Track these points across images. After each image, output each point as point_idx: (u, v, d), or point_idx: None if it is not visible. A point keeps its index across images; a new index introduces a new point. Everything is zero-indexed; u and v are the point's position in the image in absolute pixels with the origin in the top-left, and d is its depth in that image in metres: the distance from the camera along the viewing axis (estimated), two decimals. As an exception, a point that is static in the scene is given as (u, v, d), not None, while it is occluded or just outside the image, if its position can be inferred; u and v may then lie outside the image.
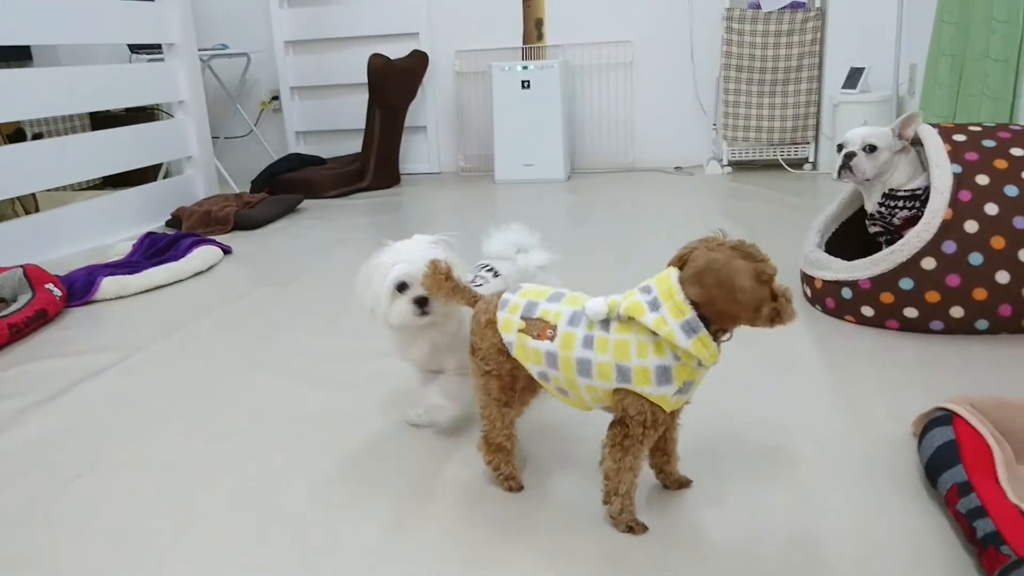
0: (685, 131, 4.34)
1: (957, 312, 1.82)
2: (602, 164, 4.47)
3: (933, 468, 1.21)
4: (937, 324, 1.86)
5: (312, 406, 1.67)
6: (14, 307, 2.24)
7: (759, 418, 1.51)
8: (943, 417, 1.27)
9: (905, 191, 1.97)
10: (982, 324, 1.83)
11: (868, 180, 2.01)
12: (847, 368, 1.72)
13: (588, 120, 4.44)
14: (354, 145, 4.56)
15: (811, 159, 4.04)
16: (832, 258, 2.04)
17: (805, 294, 2.14)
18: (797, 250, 2.23)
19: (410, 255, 1.37)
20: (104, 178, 4.27)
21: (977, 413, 1.25)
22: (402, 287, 1.36)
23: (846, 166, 2.02)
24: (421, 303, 1.35)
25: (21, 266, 2.39)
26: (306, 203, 3.94)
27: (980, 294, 1.79)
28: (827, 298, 2.02)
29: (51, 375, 1.92)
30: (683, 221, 3.18)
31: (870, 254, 2.03)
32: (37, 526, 1.29)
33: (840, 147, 2.06)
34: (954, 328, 1.85)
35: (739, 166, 4.19)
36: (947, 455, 1.20)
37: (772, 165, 4.16)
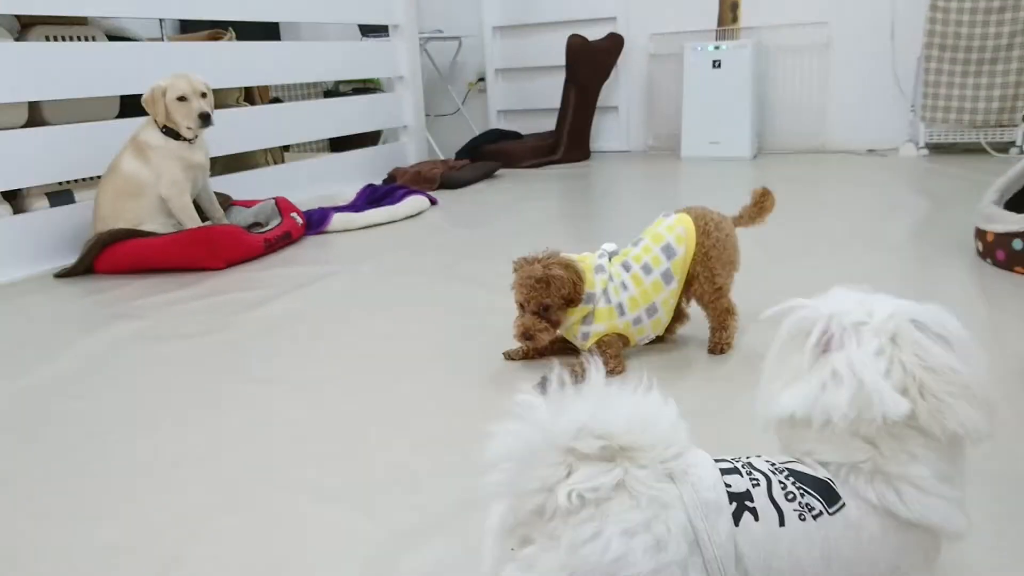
0: (880, 113, 4.27)
1: None
2: (791, 145, 4.49)
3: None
4: (1112, 276, 1.85)
5: (492, 306, 1.98)
6: (268, 227, 2.75)
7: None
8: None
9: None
10: None
11: None
12: (1005, 310, 1.77)
13: (779, 101, 4.48)
14: (549, 123, 4.88)
15: (1019, 143, 3.85)
16: (1006, 212, 2.06)
17: (977, 249, 2.16)
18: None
19: None
20: (331, 144, 4.89)
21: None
22: None
23: None
24: None
25: (273, 198, 2.90)
26: (503, 171, 4.31)
27: None
28: (998, 250, 2.04)
29: (293, 277, 2.37)
30: (867, 199, 3.20)
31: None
32: (281, 359, 1.69)
33: None
34: None
35: (937, 149, 4.07)
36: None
37: (974, 149, 4.00)
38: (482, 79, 5.33)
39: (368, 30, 4.85)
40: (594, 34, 4.56)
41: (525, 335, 1.41)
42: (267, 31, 4.82)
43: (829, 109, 4.39)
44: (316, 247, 2.78)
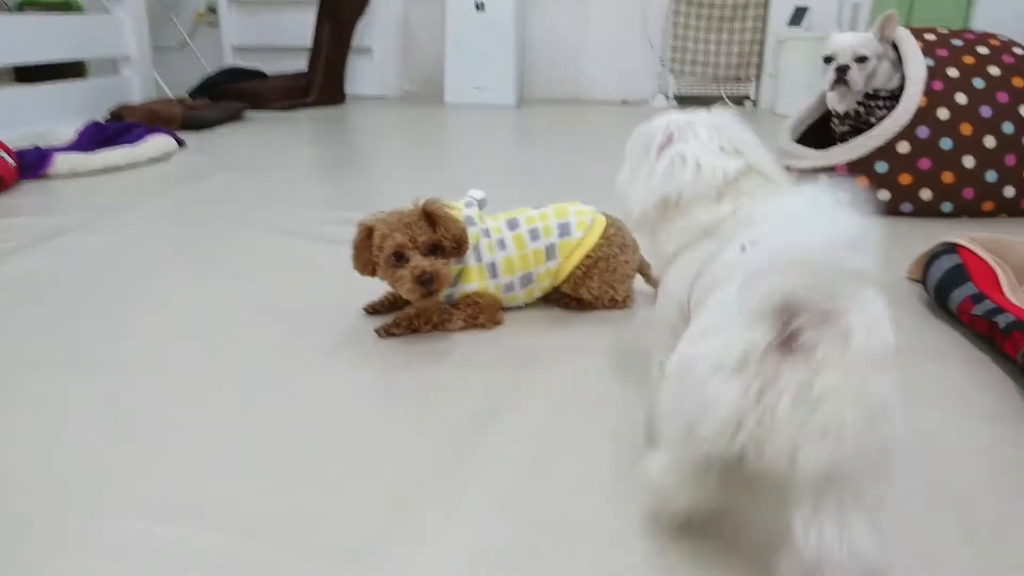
0: (632, 66, 4.41)
1: (926, 195, 1.96)
2: (551, 94, 4.50)
3: (943, 288, 1.32)
4: (907, 206, 1.99)
5: (315, 256, 1.65)
6: (-33, 169, 2.10)
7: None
8: (947, 248, 1.38)
9: (886, 91, 2.07)
10: (947, 207, 1.97)
11: (859, 90, 2.05)
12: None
13: (539, 50, 4.45)
14: (296, 63, 4.42)
15: (752, 96, 4.19)
16: (807, 148, 2.15)
17: (779, 186, 2.23)
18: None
19: None
20: (16, 75, 3.96)
21: (977, 243, 1.36)
22: None
23: (840, 80, 2.03)
24: None
25: (-31, 132, 2.23)
26: (250, 113, 3.80)
27: (948, 177, 1.93)
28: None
29: (23, 230, 1.81)
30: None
31: (836, 153, 2.17)
32: (58, 336, 1.24)
33: (828, 59, 2.06)
34: (921, 210, 1.98)
35: (683, 101, 4.30)
36: (956, 276, 1.30)
37: (714, 101, 4.29)
38: (213, 10, 4.67)
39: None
40: (344, -34, 4.17)
41: (423, 279, 1.12)
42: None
43: (586, 60, 4.45)
44: (40, 195, 2.18)
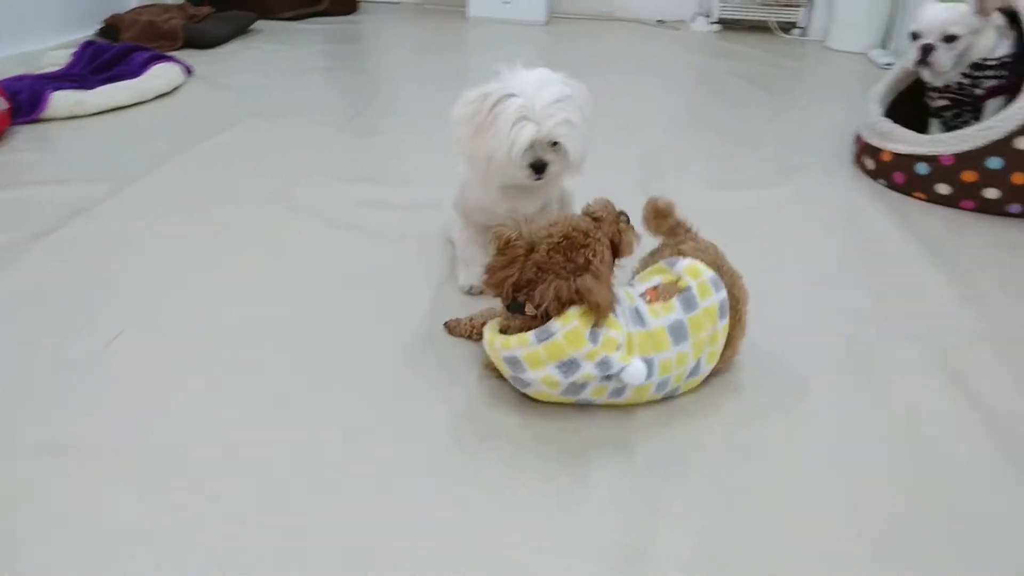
0: (672, -19, 4.03)
1: (1040, 196, 1.76)
2: (581, 9, 4.13)
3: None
4: (1015, 207, 1.78)
5: (362, 259, 1.44)
6: (-46, 120, 1.84)
7: (845, 307, 1.40)
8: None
9: (993, 60, 1.83)
10: (1061, 210, 1.78)
11: (945, 71, 1.85)
12: (939, 254, 1.63)
13: (569, -42, 4.06)
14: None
15: (801, 24, 3.86)
16: (907, 130, 1.91)
17: (865, 167, 2.02)
18: (826, 116, 2.18)
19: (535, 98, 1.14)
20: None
21: None
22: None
23: (923, 60, 1.85)
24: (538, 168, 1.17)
25: (-48, 69, 1.94)
26: (258, 24, 3.45)
27: (1068, 179, 1.73)
28: (895, 172, 1.91)
29: (26, 210, 1.58)
30: (687, 86, 2.96)
31: (924, 127, 1.95)
32: (73, 390, 1.04)
33: (915, 36, 1.86)
34: (1032, 212, 1.79)
35: (726, 24, 3.96)
36: None
37: (760, 27, 3.95)
38: None
39: None
40: None
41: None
42: None
43: (621, -28, 4.06)
44: (37, 148, 1.92)
